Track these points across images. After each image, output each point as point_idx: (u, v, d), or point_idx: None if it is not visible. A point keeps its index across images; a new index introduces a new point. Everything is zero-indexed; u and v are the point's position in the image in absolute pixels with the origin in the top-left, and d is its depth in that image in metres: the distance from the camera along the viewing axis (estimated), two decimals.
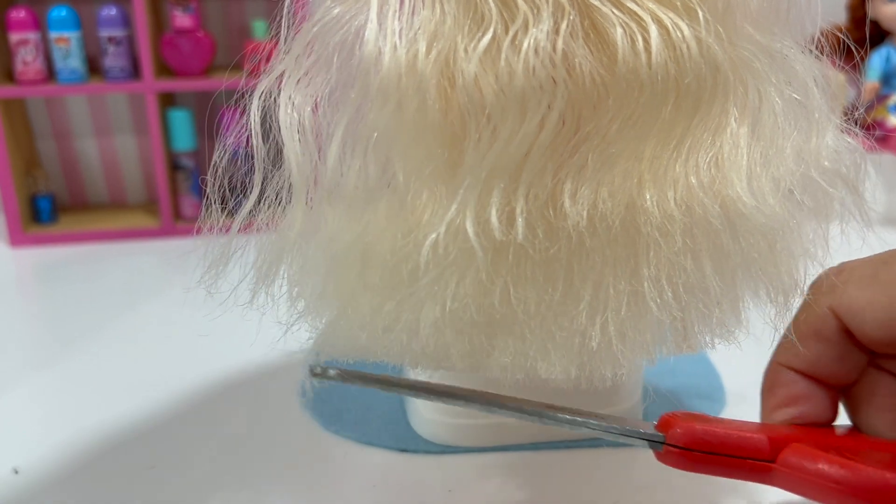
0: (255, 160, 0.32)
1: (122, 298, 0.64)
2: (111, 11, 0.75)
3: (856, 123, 0.34)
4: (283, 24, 0.32)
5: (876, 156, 0.75)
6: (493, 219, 0.28)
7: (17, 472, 0.40)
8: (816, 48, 0.33)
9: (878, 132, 0.75)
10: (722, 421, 0.29)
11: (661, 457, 0.29)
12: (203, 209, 0.33)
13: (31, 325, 0.61)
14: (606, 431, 0.30)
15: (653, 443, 0.29)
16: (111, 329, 0.58)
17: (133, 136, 0.85)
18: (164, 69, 0.79)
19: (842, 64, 0.34)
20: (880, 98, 0.78)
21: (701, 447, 0.28)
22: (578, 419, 0.30)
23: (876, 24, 0.80)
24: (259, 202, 0.33)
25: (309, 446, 0.43)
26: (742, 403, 0.46)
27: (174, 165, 0.81)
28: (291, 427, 0.45)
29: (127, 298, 0.64)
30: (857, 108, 0.34)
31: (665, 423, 0.29)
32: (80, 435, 0.44)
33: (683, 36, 0.28)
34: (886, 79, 0.79)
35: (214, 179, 0.33)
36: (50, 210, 0.81)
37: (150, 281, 0.68)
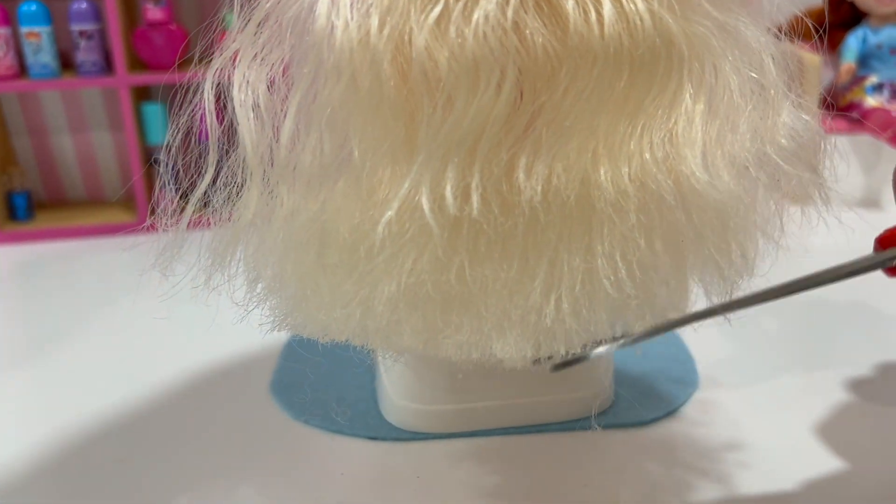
0: (210, 141, 0.32)
1: (100, 295, 0.63)
2: (82, 5, 0.74)
3: (827, 105, 0.34)
4: (236, 1, 0.31)
5: (853, 137, 0.75)
6: (448, 194, 0.28)
7: None
8: (784, 31, 0.33)
9: (854, 114, 0.75)
10: None
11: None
12: (156, 192, 0.33)
13: (7, 323, 0.60)
14: (836, 277, 0.28)
15: (883, 263, 0.28)
16: (89, 326, 0.57)
17: (108, 132, 0.84)
18: (137, 63, 0.78)
19: (803, 44, 0.33)
20: (857, 79, 0.78)
21: None
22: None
23: (852, 6, 0.79)
24: (214, 183, 0.32)
25: (278, 436, 0.42)
26: (715, 387, 0.46)
27: (150, 160, 0.80)
28: (261, 418, 0.44)
29: (105, 295, 0.63)
30: (828, 89, 0.34)
31: (886, 241, 0.28)
32: (54, 431, 0.43)
33: (637, 9, 0.28)
34: (863, 60, 0.78)
35: (168, 161, 0.32)
36: (26, 207, 0.80)
37: (128, 277, 0.67)
